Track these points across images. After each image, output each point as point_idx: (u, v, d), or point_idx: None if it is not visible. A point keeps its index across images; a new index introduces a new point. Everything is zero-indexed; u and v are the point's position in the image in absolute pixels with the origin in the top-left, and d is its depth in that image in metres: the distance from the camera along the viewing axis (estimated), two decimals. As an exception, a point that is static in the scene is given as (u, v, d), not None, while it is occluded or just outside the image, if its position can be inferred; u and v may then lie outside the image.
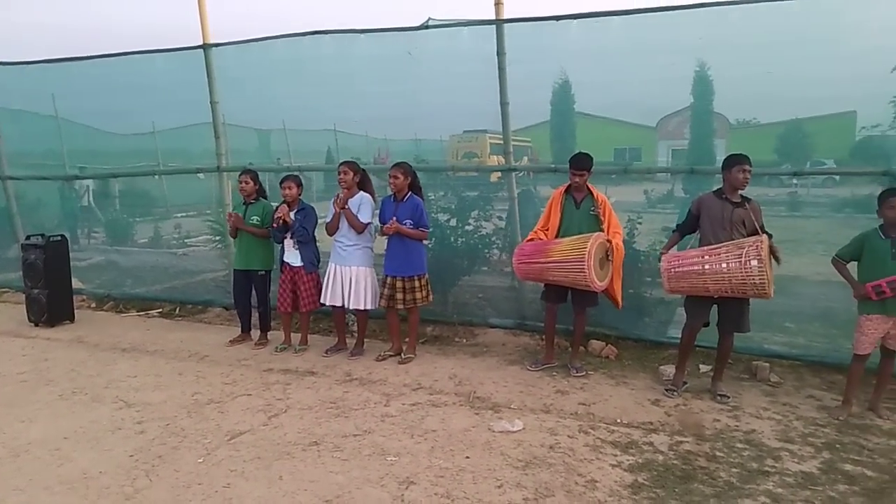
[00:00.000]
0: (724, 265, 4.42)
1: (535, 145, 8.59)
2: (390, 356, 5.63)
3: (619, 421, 4.32)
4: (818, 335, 5.67)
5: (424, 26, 6.05)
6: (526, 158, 8.30)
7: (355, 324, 5.93)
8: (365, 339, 5.88)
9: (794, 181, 6.75)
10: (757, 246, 4.33)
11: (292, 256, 5.82)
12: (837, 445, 3.93)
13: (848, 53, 5.65)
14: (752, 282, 4.30)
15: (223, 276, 7.67)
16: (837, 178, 8.06)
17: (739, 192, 4.67)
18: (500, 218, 6.49)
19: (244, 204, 6.04)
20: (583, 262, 4.73)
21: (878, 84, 5.59)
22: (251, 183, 5.99)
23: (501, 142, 6.63)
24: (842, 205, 7.10)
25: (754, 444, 3.95)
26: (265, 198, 6.16)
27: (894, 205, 4.23)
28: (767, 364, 5.17)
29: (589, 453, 3.84)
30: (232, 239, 6.32)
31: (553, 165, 6.25)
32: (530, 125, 8.11)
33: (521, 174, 7.65)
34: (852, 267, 4.48)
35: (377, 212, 5.66)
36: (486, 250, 6.63)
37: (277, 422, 4.31)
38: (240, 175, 6.09)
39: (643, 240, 6.00)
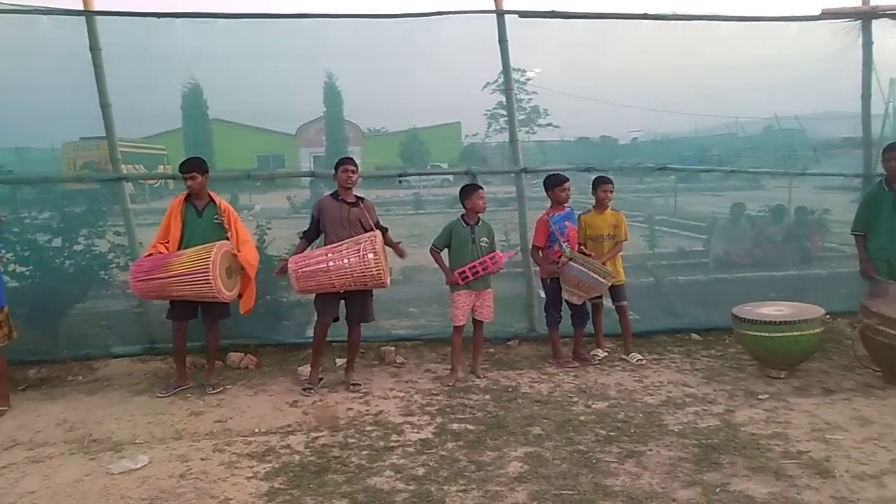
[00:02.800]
0: (345, 261, 4.70)
1: (170, 153, 7.95)
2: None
3: (256, 431, 4.24)
4: (436, 315, 6.46)
5: (-16, 9, 5.04)
6: (162, 167, 7.61)
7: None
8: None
9: (419, 177, 7.59)
10: (372, 240, 4.72)
11: None
12: (448, 409, 4.52)
13: (453, 70, 6.53)
14: (371, 273, 4.67)
15: None
16: (452, 179, 9.33)
17: (354, 192, 5.04)
18: (117, 233, 5.80)
19: None
20: (207, 273, 4.53)
21: (476, 98, 6.57)
22: None
23: (133, 149, 5.97)
24: (454, 202, 8.27)
25: (381, 424, 4.29)
26: None
27: (473, 196, 5.05)
28: (393, 348, 5.69)
29: (223, 472, 3.67)
30: None
31: (171, 172, 5.84)
32: (162, 132, 7.47)
33: (156, 184, 7.00)
34: (448, 252, 5.19)
35: None
36: (103, 271, 5.86)
37: None
38: None
39: (282, 244, 6.02)
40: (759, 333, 4.85)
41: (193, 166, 4.86)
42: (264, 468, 3.70)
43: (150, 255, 4.83)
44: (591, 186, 5.56)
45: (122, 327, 5.92)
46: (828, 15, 6.24)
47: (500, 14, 5.76)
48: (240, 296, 4.98)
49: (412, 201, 10.03)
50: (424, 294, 6.87)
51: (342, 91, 6.71)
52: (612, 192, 5.48)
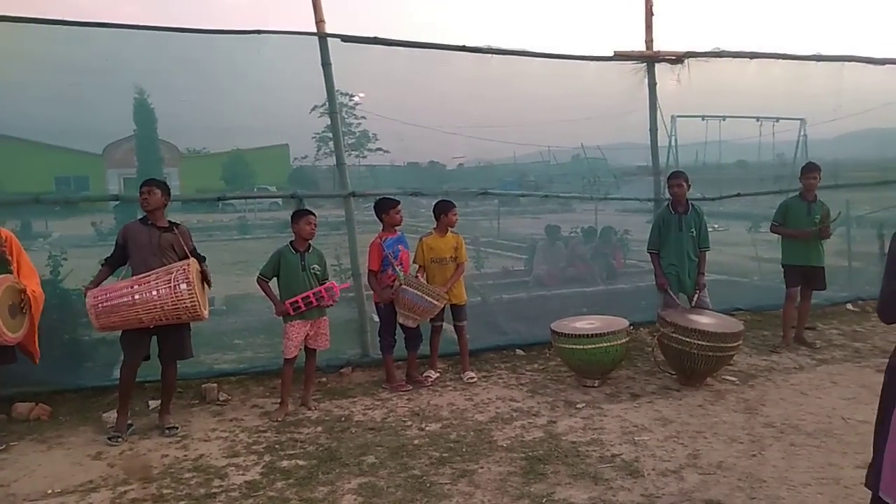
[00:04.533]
0: (154, 292, 4.29)
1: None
2: None
3: (49, 492, 3.68)
4: (263, 346, 6.13)
5: None
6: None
7: None
8: None
9: (244, 201, 7.22)
10: (185, 269, 4.35)
11: None
12: (277, 446, 4.28)
13: (277, 91, 6.30)
14: (184, 305, 4.30)
15: None
16: (281, 203, 9.00)
17: (167, 217, 4.64)
18: None
19: None
20: (-19, 313, 3.88)
21: (304, 120, 6.38)
22: None
23: None
24: (284, 226, 7.96)
25: (202, 469, 3.94)
26: None
27: (304, 221, 4.88)
28: (215, 384, 5.27)
29: (4, 546, 3.13)
30: None
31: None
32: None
33: None
34: (277, 281, 4.96)
35: None
36: None
37: None
38: None
39: (84, 275, 5.33)
40: (574, 346, 5.23)
41: None
42: (58, 536, 3.22)
43: None
44: (431, 211, 5.65)
45: None
46: (619, 57, 7.00)
47: (323, 37, 5.70)
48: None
49: (237, 226, 9.52)
50: (251, 324, 6.51)
51: (154, 108, 6.22)
52: (456, 215, 5.61)
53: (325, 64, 5.68)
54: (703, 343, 5.00)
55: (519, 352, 6.29)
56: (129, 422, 4.55)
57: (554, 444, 4.15)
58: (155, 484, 3.75)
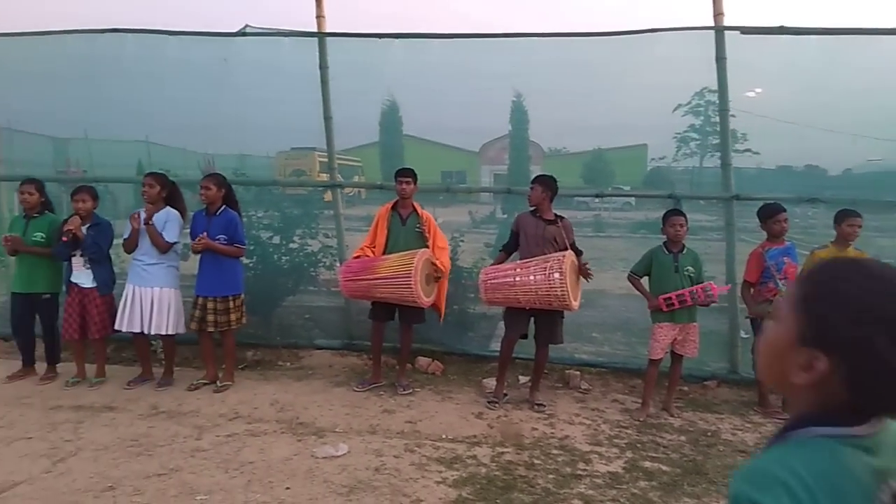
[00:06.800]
0: (531, 277, 4.67)
1: (365, 165, 8.56)
2: (204, 384, 5.17)
3: (444, 437, 4.34)
4: (620, 343, 6.21)
5: (242, 33, 5.75)
6: (357, 178, 8.22)
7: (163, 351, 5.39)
8: (175, 368, 5.36)
9: (597, 199, 7.39)
10: (560, 260, 4.62)
11: (82, 277, 5.16)
12: (638, 445, 4.29)
13: (636, 92, 6.31)
14: (556, 293, 4.58)
15: (1, 302, 6.61)
16: (633, 202, 8.99)
17: (553, 210, 5.00)
18: (326, 235, 6.31)
19: (25, 217, 5.28)
20: (410, 277, 4.75)
21: (664, 119, 6.28)
22: (35, 194, 5.25)
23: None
24: (638, 226, 7.93)
25: (568, 450, 4.17)
26: (52, 211, 5.43)
27: (675, 223, 4.76)
28: (578, 372, 5.53)
29: (414, 472, 3.79)
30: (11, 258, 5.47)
31: (380, 182, 6.24)
32: (359, 145, 8.07)
33: (351, 193, 7.56)
34: (648, 280, 4.95)
35: (187, 230, 5.24)
36: (312, 269, 6.41)
37: (64, 467, 3.74)
38: (21, 185, 5.30)
39: (467, 258, 6.18)
40: None
41: (410, 173, 5.16)
42: (452, 475, 3.76)
43: (357, 257, 5.18)
44: (833, 220, 4.97)
45: (324, 322, 6.42)
46: None
47: (720, 31, 5.41)
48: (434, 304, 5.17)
49: (591, 223, 9.80)
50: (607, 320, 6.65)
51: (528, 110, 6.74)
52: (860, 227, 4.86)
53: (720, 58, 5.38)
54: None
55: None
56: (505, 391, 5.07)
57: None
58: (527, 452, 4.11)
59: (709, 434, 4.48)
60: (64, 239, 5.01)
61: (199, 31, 5.82)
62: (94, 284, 5.14)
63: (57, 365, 5.41)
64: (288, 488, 3.55)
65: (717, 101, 5.57)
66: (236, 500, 3.41)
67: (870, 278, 0.92)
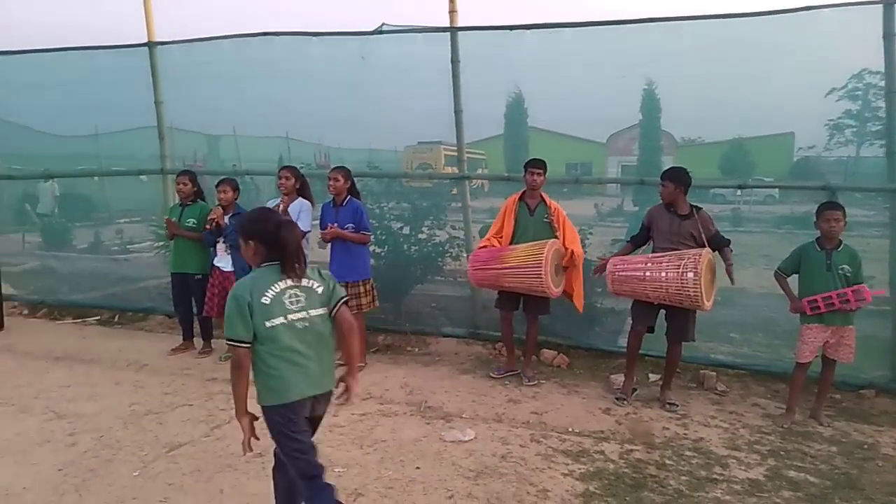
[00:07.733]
0: (663, 274, 4.48)
1: (489, 158, 8.61)
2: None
3: (570, 430, 4.30)
4: (762, 345, 5.82)
5: (378, 31, 5.98)
6: (481, 170, 8.30)
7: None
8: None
9: (738, 192, 6.94)
10: (696, 259, 4.39)
11: (223, 261, 5.71)
12: (782, 452, 4.00)
13: (786, 75, 5.84)
14: (687, 293, 4.36)
15: (166, 282, 7.36)
16: (777, 195, 8.35)
17: (689, 202, 4.77)
18: (453, 227, 6.44)
19: (181, 205, 5.89)
20: (540, 267, 4.74)
21: (814, 105, 5.77)
22: (189, 184, 5.85)
23: (456, 153, 6.60)
24: (782, 221, 7.33)
25: (703, 452, 3.98)
26: (203, 200, 6.00)
27: (829, 217, 4.35)
28: (714, 373, 5.25)
29: (541, 462, 3.79)
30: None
31: (507, 174, 6.26)
32: (484, 138, 8.12)
33: (475, 185, 7.65)
34: (795, 279, 4.59)
35: (315, 222, 5.57)
36: (440, 259, 6.57)
37: (220, 433, 4.13)
38: (178, 175, 5.92)
39: (593, 251, 6.04)
40: None
41: (541, 164, 5.19)
42: (579, 468, 3.72)
43: (483, 247, 5.24)
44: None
45: (450, 310, 6.57)
46: None
47: (889, 4, 4.87)
48: (566, 293, 5.12)
49: (729, 217, 9.21)
50: (746, 319, 6.23)
51: (660, 99, 6.45)
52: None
53: (888, 35, 4.85)
54: None
55: None
56: (634, 387, 4.93)
57: None
58: (658, 452, 3.97)
59: (865, 447, 4.09)
60: (207, 227, 5.55)
61: (340, 31, 6.12)
62: (233, 268, 5.60)
63: (211, 340, 5.95)
64: (418, 468, 3.69)
65: (883, 83, 5.03)
66: (370, 475, 3.60)
67: None
